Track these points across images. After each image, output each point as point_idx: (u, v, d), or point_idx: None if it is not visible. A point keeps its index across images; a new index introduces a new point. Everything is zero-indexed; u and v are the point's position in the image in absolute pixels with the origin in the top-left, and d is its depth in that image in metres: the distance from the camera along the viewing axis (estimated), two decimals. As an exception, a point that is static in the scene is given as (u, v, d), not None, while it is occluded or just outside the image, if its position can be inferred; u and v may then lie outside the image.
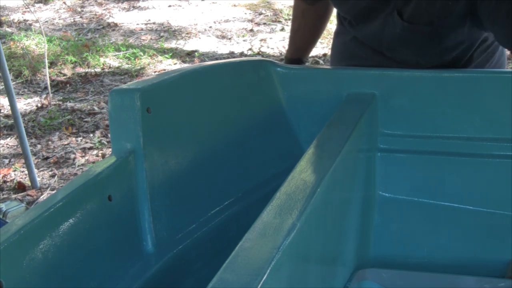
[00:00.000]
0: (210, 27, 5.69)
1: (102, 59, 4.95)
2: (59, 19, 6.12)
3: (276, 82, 1.52)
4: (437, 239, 1.43)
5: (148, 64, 4.87)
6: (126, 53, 5.04)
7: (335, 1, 1.55)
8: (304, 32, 1.75)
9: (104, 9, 6.31)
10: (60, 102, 4.30)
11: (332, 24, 4.48)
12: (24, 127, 3.32)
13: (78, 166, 3.46)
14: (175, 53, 5.09)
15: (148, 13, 6.16)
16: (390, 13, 1.40)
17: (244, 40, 5.31)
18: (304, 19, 1.74)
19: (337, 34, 1.69)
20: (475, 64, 1.52)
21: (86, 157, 3.55)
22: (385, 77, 1.43)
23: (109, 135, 1.86)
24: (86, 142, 3.72)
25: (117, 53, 5.06)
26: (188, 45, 5.28)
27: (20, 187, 3.28)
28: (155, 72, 4.73)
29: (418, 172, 1.44)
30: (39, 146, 3.71)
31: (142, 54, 5.01)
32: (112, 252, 1.13)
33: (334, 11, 1.69)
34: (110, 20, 5.99)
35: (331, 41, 1.75)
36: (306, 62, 1.81)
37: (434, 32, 1.39)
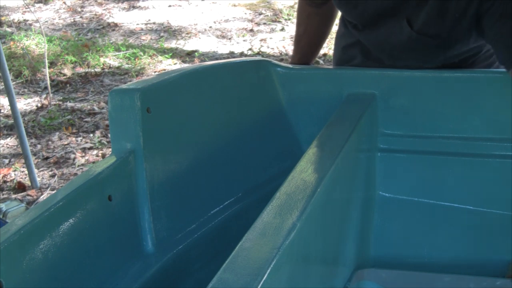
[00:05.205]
0: (210, 27, 5.68)
1: (102, 59, 4.94)
2: (59, 19, 6.11)
3: (276, 82, 1.52)
4: (437, 239, 1.43)
5: (148, 64, 4.87)
6: (126, 53, 5.04)
7: (343, 8, 1.52)
8: (310, 36, 1.72)
9: (104, 9, 6.31)
10: (60, 102, 4.30)
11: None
12: (24, 127, 3.32)
13: (78, 166, 3.45)
14: (175, 53, 5.09)
15: (148, 13, 6.16)
16: (399, 20, 1.40)
17: (244, 40, 5.30)
18: (310, 23, 1.71)
19: (339, 37, 1.67)
20: (478, 67, 1.52)
21: (86, 157, 3.55)
22: (385, 77, 1.43)
23: (109, 135, 1.86)
24: (86, 142, 3.72)
25: (117, 53, 5.05)
26: (188, 45, 5.28)
27: (20, 187, 3.28)
28: (155, 72, 4.72)
29: (418, 172, 1.44)
30: (39, 146, 3.70)
31: (142, 54, 5.01)
32: (112, 252, 1.13)
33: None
34: (110, 20, 5.99)
35: (331, 41, 1.74)
36: None
37: (440, 43, 1.38)
